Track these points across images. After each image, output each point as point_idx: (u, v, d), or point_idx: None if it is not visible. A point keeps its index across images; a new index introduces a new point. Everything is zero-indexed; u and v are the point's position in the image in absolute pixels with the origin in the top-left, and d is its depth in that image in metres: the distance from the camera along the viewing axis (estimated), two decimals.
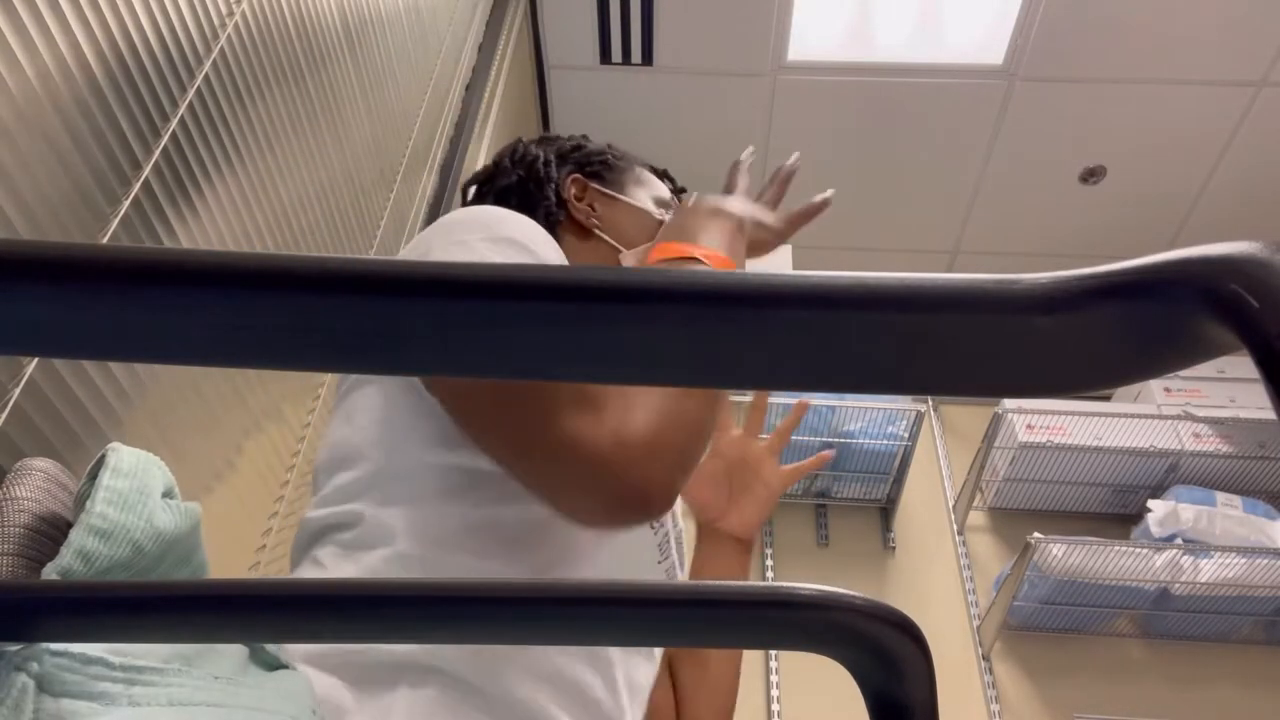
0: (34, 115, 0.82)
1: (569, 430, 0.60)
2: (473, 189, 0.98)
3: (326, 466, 0.74)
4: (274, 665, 0.52)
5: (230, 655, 0.48)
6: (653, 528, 0.79)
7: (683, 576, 0.86)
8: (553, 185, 0.93)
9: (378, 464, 0.70)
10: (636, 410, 0.62)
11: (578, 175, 0.95)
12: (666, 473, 0.62)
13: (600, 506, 0.62)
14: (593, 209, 0.93)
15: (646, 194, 0.96)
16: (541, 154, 0.96)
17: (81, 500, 0.47)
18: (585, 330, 0.24)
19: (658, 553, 0.80)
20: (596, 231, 0.91)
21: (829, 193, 0.98)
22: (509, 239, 0.69)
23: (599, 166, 0.96)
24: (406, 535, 0.66)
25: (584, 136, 1.02)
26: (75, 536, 0.44)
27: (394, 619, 0.35)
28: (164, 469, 0.51)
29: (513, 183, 0.94)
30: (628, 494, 0.60)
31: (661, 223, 0.93)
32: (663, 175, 1.03)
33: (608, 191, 0.94)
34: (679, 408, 0.64)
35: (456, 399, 0.67)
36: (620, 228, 0.92)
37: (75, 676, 0.37)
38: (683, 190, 1.03)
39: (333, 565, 0.68)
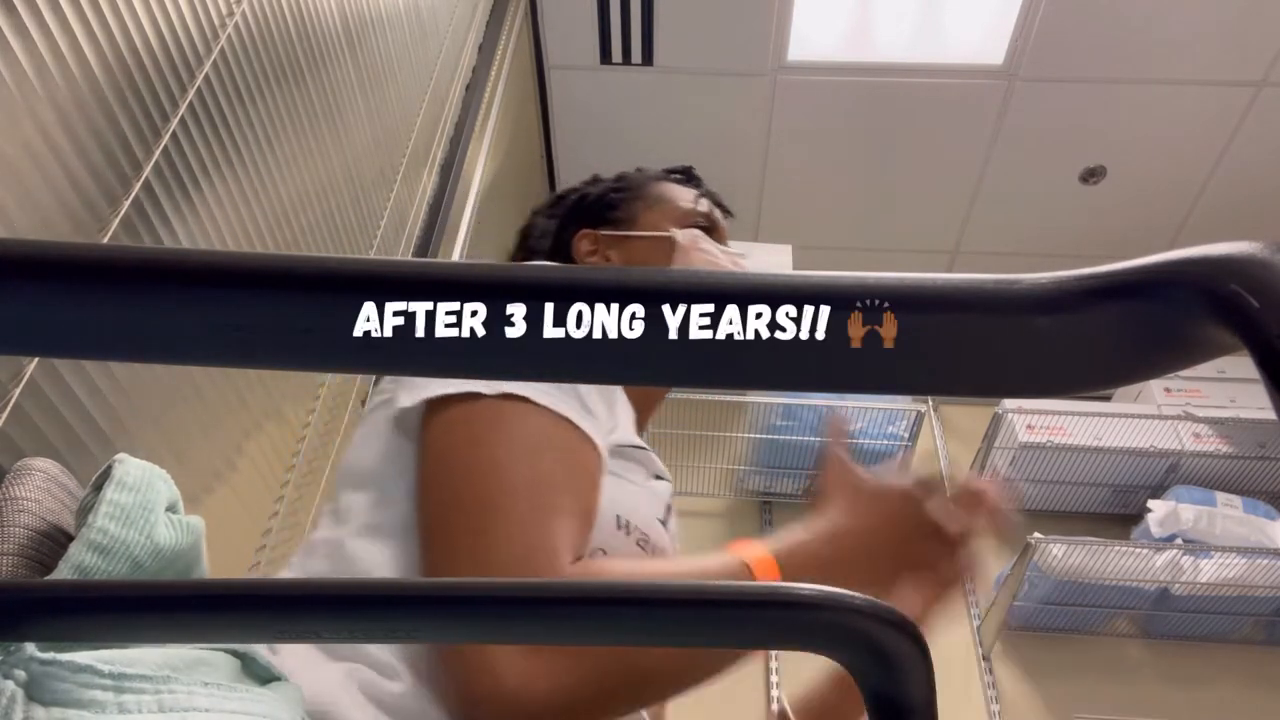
0: (34, 115, 0.82)
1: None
2: None
3: (341, 479, 0.73)
4: (267, 678, 0.52)
5: (221, 666, 0.47)
6: None
7: None
8: (542, 256, 0.95)
9: (371, 496, 0.69)
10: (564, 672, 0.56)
11: (586, 230, 0.94)
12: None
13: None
14: (608, 258, 0.93)
15: (660, 214, 0.94)
16: (539, 225, 0.98)
17: (85, 511, 0.47)
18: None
19: None
20: None
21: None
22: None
23: (604, 210, 0.95)
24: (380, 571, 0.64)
25: (594, 178, 1.01)
26: (74, 551, 0.44)
27: (395, 619, 0.35)
28: (169, 483, 0.51)
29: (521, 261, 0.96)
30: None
31: (672, 241, 0.91)
32: (685, 176, 1.01)
33: (617, 233, 0.93)
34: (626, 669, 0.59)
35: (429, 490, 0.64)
36: (637, 265, 0.90)
37: (64, 684, 0.37)
38: (697, 184, 1.00)
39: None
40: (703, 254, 0.91)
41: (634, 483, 0.73)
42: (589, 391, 0.68)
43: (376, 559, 0.64)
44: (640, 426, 0.85)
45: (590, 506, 0.65)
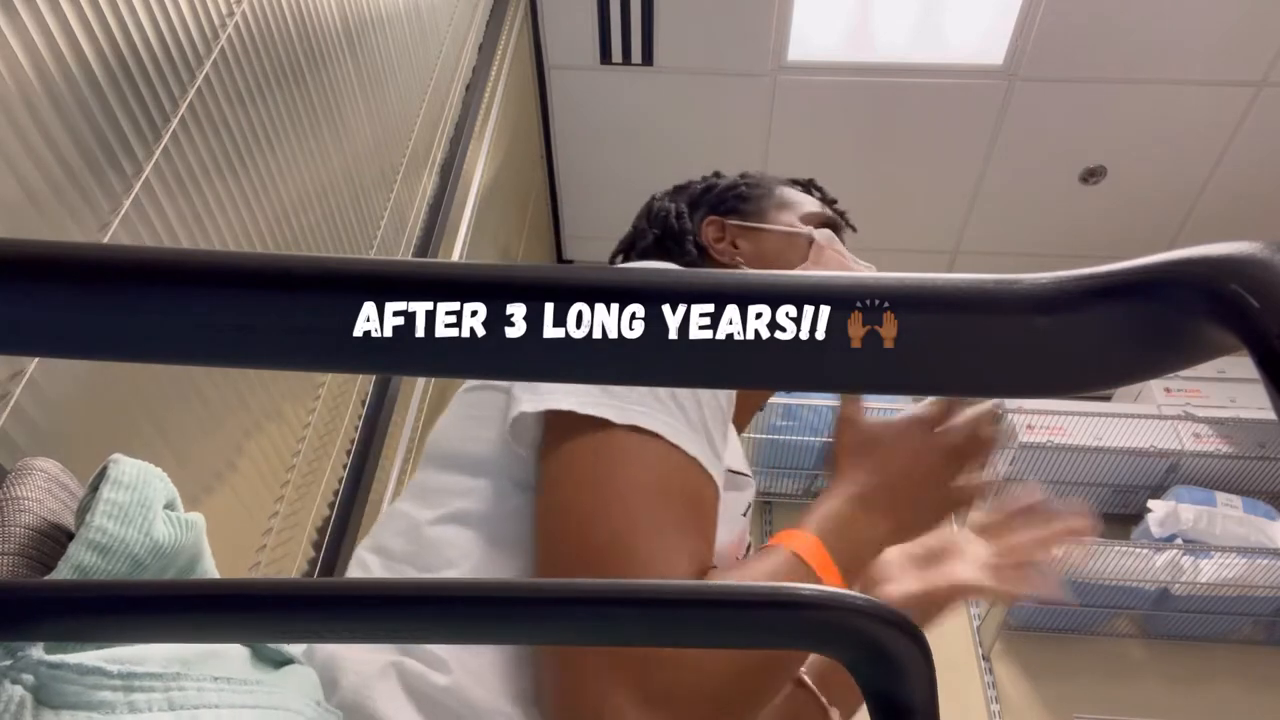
0: (35, 115, 0.82)
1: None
2: (619, 259, 0.98)
3: (433, 453, 0.71)
4: (280, 661, 0.52)
5: (232, 656, 0.47)
6: None
7: None
8: (689, 237, 0.94)
9: (466, 484, 0.67)
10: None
11: (714, 217, 0.94)
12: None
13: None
14: (735, 246, 0.92)
15: (791, 214, 0.94)
16: (673, 206, 0.96)
17: (83, 512, 0.47)
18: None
19: None
20: (743, 268, 0.90)
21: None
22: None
23: (734, 201, 0.95)
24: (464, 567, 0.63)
25: (715, 174, 1.01)
26: (73, 550, 0.44)
27: (396, 619, 0.35)
28: (166, 480, 0.51)
29: (650, 243, 0.95)
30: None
31: (810, 239, 0.91)
32: (808, 186, 1.01)
33: (748, 224, 0.93)
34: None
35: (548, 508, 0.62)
36: (767, 258, 0.91)
37: (73, 687, 0.37)
38: (820, 194, 1.00)
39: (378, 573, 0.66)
40: (839, 255, 0.92)
41: (726, 518, 0.70)
42: (714, 419, 0.64)
43: (462, 548, 0.63)
44: (740, 429, 0.84)
45: (709, 546, 0.63)
